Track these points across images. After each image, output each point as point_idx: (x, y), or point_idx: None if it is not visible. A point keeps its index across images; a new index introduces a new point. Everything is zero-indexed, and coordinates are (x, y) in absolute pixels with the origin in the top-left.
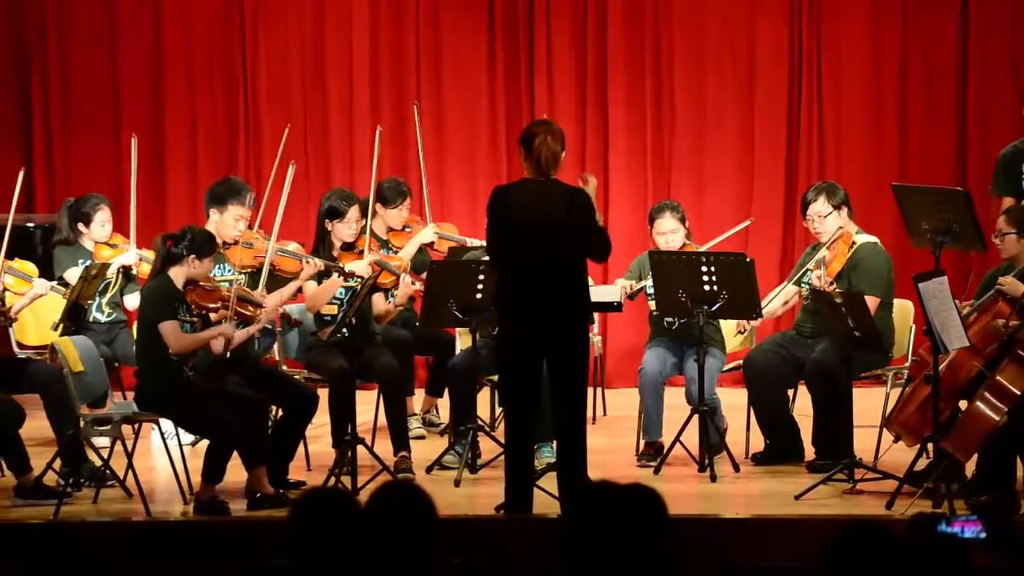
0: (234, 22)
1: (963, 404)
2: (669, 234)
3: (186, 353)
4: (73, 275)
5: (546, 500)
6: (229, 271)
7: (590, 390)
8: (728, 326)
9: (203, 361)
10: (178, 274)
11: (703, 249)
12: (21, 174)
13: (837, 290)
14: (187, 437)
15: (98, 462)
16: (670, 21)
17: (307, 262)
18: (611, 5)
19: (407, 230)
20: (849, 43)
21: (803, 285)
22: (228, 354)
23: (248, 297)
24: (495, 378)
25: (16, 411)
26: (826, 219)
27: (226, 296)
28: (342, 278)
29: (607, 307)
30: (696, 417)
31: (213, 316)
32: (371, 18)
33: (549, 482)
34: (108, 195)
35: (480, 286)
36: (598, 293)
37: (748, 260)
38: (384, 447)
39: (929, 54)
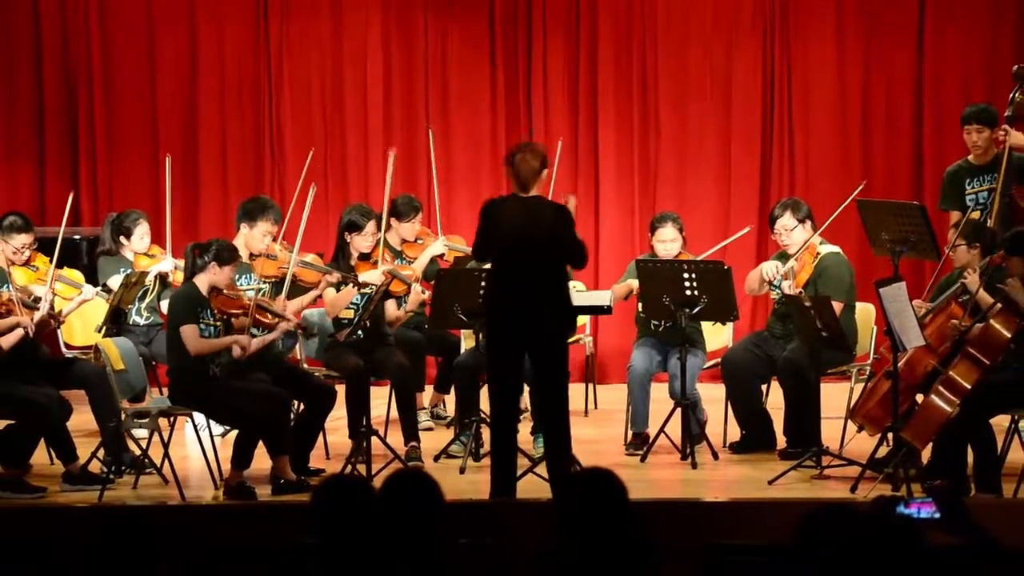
0: (261, 55)
1: (920, 397)
2: (669, 242)
3: (205, 355)
4: (115, 282)
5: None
6: (255, 281)
7: (583, 386)
8: (708, 327)
9: (230, 360)
10: (202, 281)
11: (701, 257)
12: (71, 197)
13: (806, 295)
14: (218, 428)
15: (137, 451)
16: (655, 50)
17: (325, 274)
18: (601, 36)
19: (419, 242)
20: (817, 71)
21: (774, 290)
22: (245, 361)
23: (268, 307)
24: None
25: (64, 406)
26: (792, 232)
27: (247, 304)
28: (356, 288)
29: (598, 310)
30: (679, 410)
31: (234, 321)
32: (384, 50)
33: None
34: (146, 210)
35: (483, 292)
36: (590, 297)
37: (726, 268)
38: (396, 438)
39: (889, 82)
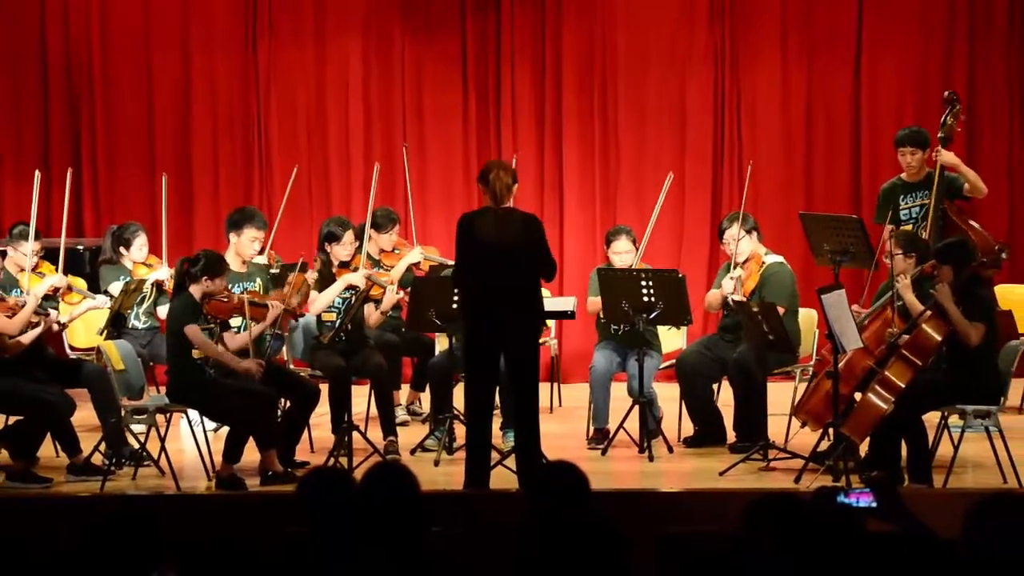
0: (249, 79)
1: (858, 396)
2: (624, 254)
3: (212, 333)
4: (115, 289)
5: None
6: (249, 285)
7: (548, 385)
8: (664, 331)
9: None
10: (196, 291)
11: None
12: (68, 179)
13: (753, 302)
14: (210, 424)
15: (136, 445)
16: (615, 75)
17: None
18: (565, 61)
19: (396, 251)
20: (763, 96)
21: (727, 300)
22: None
23: (258, 301)
24: None
25: (68, 402)
26: (739, 242)
27: (238, 304)
28: (343, 289)
29: (562, 315)
30: (637, 407)
31: (233, 322)
32: (364, 74)
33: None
34: (144, 222)
35: (456, 298)
36: (555, 303)
37: (680, 276)
38: (375, 433)
39: (829, 106)
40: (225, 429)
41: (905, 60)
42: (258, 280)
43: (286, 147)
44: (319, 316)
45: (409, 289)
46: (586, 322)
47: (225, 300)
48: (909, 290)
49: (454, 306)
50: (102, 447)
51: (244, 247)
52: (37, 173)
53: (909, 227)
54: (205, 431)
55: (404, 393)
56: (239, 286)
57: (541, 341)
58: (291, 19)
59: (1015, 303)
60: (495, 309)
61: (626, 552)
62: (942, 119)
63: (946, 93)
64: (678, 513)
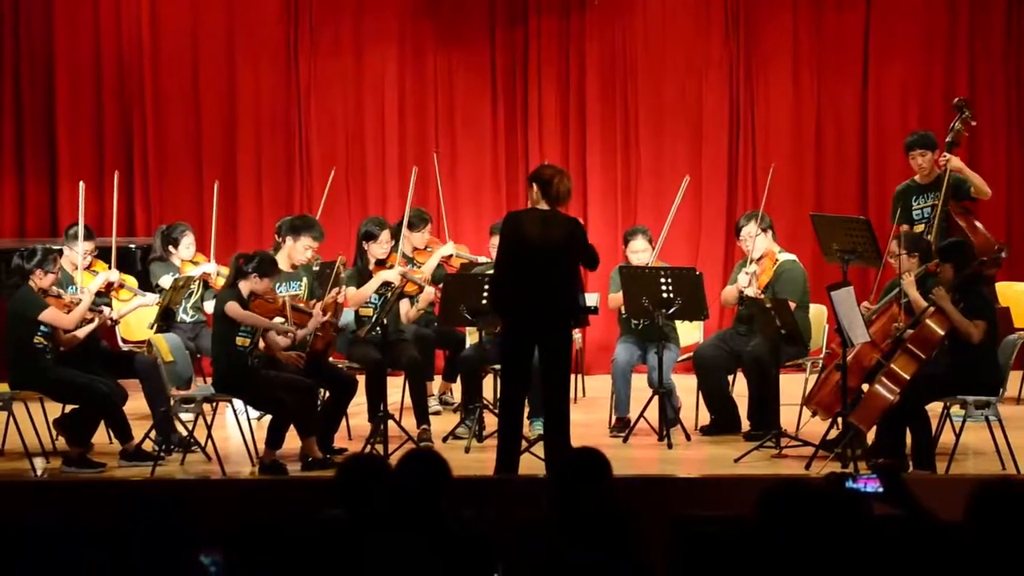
0: (291, 89)
1: (865, 387)
2: (641, 252)
3: (252, 330)
4: (165, 283)
5: (539, 463)
6: (294, 287)
7: (572, 376)
8: (682, 325)
9: (264, 354)
10: (244, 287)
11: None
12: (116, 182)
13: (767, 297)
14: (254, 413)
15: (184, 432)
16: (636, 83)
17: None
18: (589, 70)
19: (428, 249)
20: (776, 102)
21: (742, 294)
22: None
23: (300, 307)
24: (497, 367)
25: (121, 392)
26: (755, 239)
27: (281, 307)
28: (379, 285)
29: (586, 310)
30: (656, 397)
31: (276, 319)
32: (399, 83)
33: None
34: (191, 223)
35: (485, 294)
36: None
37: (697, 273)
38: (409, 421)
39: (838, 112)
40: (268, 418)
41: (909, 68)
42: (304, 280)
43: (325, 152)
44: (357, 311)
45: (442, 285)
46: (608, 317)
47: (269, 301)
48: (913, 287)
49: (483, 302)
50: (152, 434)
51: (297, 253)
52: (82, 184)
53: (921, 227)
54: (249, 419)
55: (437, 384)
56: (286, 286)
57: None
58: (331, 32)
59: (1013, 299)
60: (536, 307)
61: (627, 530)
62: (951, 124)
63: (956, 100)
64: (695, 498)
